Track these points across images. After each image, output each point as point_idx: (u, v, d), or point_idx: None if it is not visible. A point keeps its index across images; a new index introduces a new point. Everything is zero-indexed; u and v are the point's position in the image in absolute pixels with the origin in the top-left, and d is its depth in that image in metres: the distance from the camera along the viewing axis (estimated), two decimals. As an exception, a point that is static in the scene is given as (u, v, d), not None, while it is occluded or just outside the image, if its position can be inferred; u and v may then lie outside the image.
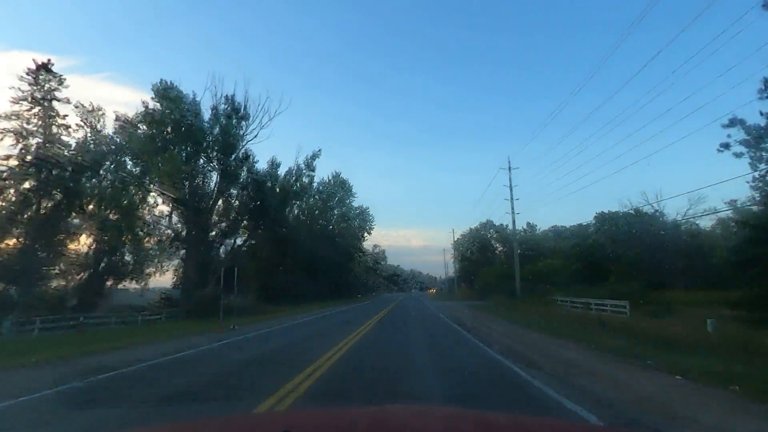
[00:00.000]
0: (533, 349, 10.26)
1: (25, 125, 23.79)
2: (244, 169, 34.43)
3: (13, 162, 22.82)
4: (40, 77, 24.47)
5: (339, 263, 56.95)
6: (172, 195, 29.29)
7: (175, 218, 32.47)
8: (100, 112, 28.91)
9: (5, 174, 22.69)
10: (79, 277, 28.70)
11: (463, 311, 27.10)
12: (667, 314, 17.99)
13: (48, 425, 4.79)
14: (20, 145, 23.43)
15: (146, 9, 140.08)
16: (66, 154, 25.02)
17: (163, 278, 35.76)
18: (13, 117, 23.56)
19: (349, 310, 31.65)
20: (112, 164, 29.00)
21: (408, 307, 36.17)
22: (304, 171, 45.82)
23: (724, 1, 35.00)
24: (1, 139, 23.27)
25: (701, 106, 45.95)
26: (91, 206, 28.00)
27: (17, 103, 23.90)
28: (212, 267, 29.72)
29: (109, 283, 30.94)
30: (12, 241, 23.72)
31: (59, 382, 6.65)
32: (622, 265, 31.91)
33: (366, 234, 70.89)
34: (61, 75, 25.28)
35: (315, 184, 52.87)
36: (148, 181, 29.81)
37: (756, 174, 20.31)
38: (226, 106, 31.69)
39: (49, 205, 25.16)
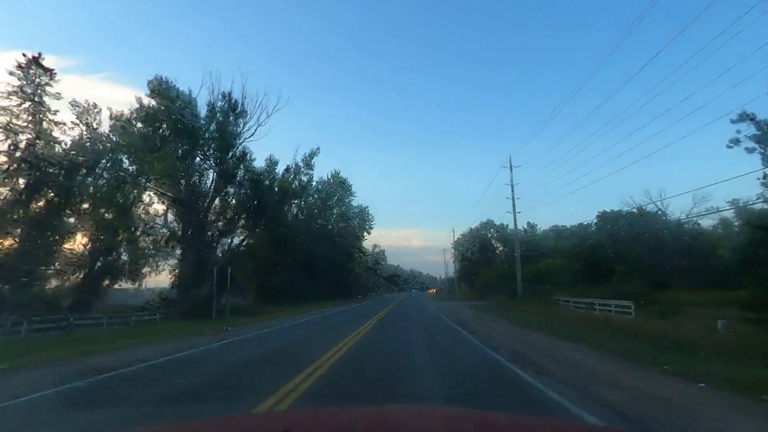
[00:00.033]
0: (540, 352, 9.81)
1: (14, 121, 23.30)
2: (242, 167, 33.99)
3: (2, 158, 22.37)
4: (31, 71, 23.97)
5: (339, 263, 56.58)
6: (168, 193, 28.86)
7: (171, 217, 32.10)
8: (96, 110, 28.50)
9: None
10: (75, 276, 28.36)
11: (464, 311, 26.65)
12: (674, 315, 17.61)
13: (48, 425, 4.77)
14: (8, 141, 22.99)
15: (146, 9, 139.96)
16: (59, 151, 24.56)
17: (162, 278, 35.41)
18: (2, 112, 23.10)
19: (349, 311, 31.41)
20: (108, 162, 28.55)
21: (408, 307, 35.82)
22: (302, 169, 45.54)
23: (725, 1, 34.57)
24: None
25: (703, 105, 45.58)
26: (86, 205, 27.59)
27: (7, 98, 23.43)
28: (209, 266, 29.27)
29: (105, 282, 30.62)
30: (8, 241, 23.23)
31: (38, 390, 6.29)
32: (624, 264, 31.56)
33: (366, 234, 70.69)
34: (52, 69, 24.83)
35: (314, 183, 52.65)
36: (143, 180, 29.37)
37: None
38: (223, 103, 31.27)
39: (42, 203, 24.71)
